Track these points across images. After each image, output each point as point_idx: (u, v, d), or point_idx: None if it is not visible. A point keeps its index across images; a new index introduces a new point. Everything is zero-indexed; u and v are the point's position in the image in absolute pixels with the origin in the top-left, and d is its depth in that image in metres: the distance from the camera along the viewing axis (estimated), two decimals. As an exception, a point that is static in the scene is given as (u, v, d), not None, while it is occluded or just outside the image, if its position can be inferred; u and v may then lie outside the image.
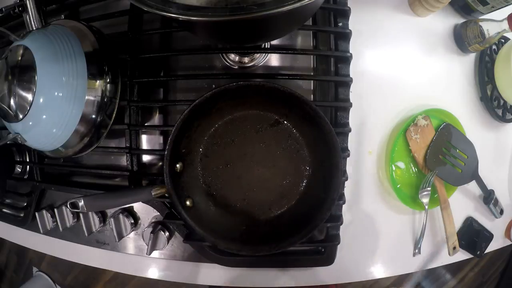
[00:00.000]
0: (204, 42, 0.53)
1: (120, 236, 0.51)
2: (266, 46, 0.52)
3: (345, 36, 0.49)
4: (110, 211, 0.53)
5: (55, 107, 0.42)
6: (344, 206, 0.49)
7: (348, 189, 0.51)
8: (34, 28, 0.48)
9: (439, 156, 0.55)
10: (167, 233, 0.51)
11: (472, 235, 0.60)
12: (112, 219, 0.51)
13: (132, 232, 0.53)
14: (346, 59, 0.48)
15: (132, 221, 0.52)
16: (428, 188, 0.54)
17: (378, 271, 0.56)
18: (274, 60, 0.53)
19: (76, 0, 0.56)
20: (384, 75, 0.56)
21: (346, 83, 0.48)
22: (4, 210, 0.62)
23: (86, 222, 0.52)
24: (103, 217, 0.53)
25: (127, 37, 0.50)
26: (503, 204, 0.62)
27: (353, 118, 0.49)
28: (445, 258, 0.58)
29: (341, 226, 0.50)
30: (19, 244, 0.64)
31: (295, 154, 0.48)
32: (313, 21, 0.52)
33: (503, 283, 1.51)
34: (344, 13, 0.48)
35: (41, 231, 0.55)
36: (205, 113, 0.46)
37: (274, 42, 0.52)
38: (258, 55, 0.52)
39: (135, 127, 0.50)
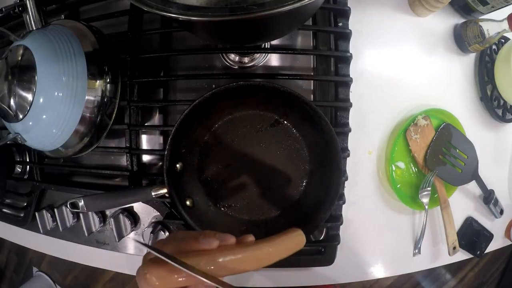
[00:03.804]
0: (204, 42, 0.53)
1: (120, 236, 0.51)
2: (266, 46, 0.52)
3: (345, 36, 0.49)
4: (110, 211, 0.53)
5: (55, 107, 0.42)
6: (344, 206, 0.49)
7: (348, 189, 0.51)
8: (34, 28, 0.48)
9: (439, 156, 0.55)
10: (167, 233, 0.50)
11: (472, 235, 0.60)
12: (112, 219, 0.51)
13: (132, 232, 0.52)
14: (346, 59, 0.48)
15: (132, 221, 0.52)
16: (428, 188, 0.54)
17: (378, 271, 0.56)
18: (274, 60, 0.53)
19: (76, 0, 0.56)
20: (384, 75, 0.56)
21: (346, 83, 0.48)
22: (4, 210, 0.62)
23: (86, 222, 0.52)
24: (103, 217, 0.53)
25: (127, 37, 0.50)
26: (503, 204, 0.62)
27: (353, 118, 0.49)
28: (445, 258, 0.58)
29: (341, 226, 0.50)
30: (19, 244, 0.64)
31: (295, 154, 0.48)
32: (313, 21, 0.52)
33: (503, 283, 1.51)
34: (344, 13, 0.49)
35: (41, 231, 0.55)
36: (205, 113, 0.46)
37: (274, 42, 0.52)
38: (258, 55, 0.52)
39: (135, 127, 0.50)
